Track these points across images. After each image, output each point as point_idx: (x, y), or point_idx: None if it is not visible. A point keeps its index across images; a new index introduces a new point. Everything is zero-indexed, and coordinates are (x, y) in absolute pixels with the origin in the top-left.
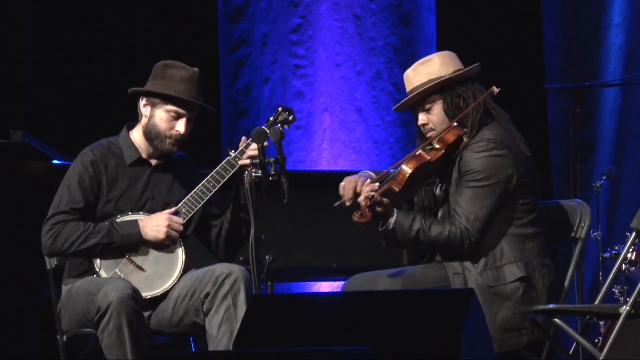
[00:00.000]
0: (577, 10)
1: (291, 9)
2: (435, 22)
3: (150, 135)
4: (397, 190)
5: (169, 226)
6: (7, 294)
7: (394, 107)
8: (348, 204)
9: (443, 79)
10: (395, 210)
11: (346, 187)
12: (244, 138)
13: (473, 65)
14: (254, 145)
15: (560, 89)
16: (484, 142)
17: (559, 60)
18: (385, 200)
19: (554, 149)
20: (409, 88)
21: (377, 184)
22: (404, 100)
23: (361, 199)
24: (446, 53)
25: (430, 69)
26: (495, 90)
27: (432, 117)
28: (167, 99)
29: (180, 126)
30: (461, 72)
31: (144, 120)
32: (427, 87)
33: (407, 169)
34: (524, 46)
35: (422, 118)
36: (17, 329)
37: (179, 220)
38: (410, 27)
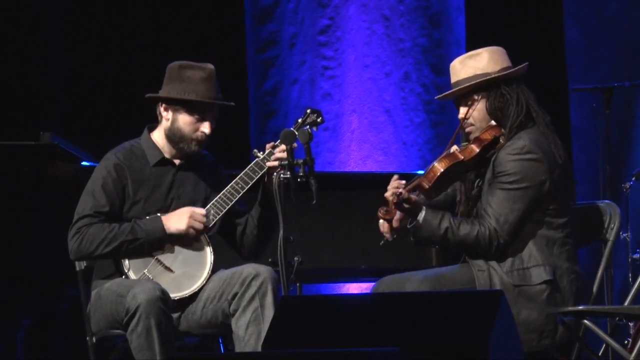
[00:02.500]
0: (598, 9)
1: (319, 10)
2: (464, 23)
3: (175, 138)
4: (427, 187)
5: (190, 217)
6: (38, 295)
7: (437, 97)
8: (389, 238)
9: (489, 76)
10: (424, 207)
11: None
12: (271, 143)
13: (521, 65)
14: (282, 147)
15: (589, 89)
16: (519, 144)
17: (580, 59)
18: (413, 197)
19: (576, 149)
20: (453, 79)
21: (404, 181)
22: (447, 92)
23: (388, 195)
24: (495, 48)
25: (477, 63)
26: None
27: (473, 113)
28: (189, 104)
29: (205, 127)
30: (507, 71)
31: (166, 123)
32: (471, 83)
33: (439, 167)
34: (545, 44)
35: (463, 111)
36: (48, 330)
37: (201, 211)
38: (439, 28)
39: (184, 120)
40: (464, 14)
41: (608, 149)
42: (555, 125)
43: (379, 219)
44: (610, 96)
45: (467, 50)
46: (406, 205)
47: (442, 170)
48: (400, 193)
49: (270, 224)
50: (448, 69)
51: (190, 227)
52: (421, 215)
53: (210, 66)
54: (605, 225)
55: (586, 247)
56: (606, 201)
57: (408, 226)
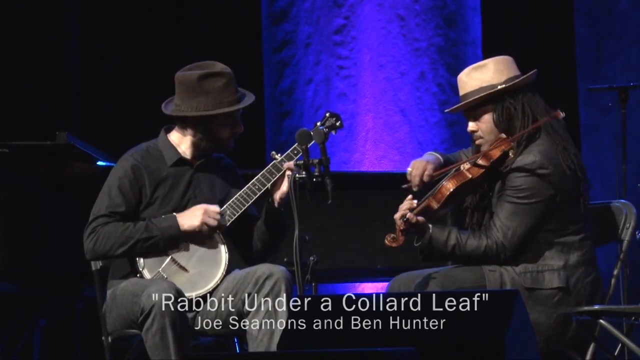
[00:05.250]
0: (608, 6)
1: (334, 9)
2: (480, 23)
3: (210, 146)
4: (436, 207)
5: (204, 214)
6: (54, 295)
7: (446, 110)
8: (415, 189)
9: (493, 90)
10: (430, 226)
11: (413, 172)
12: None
13: (528, 73)
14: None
15: (605, 89)
16: (529, 159)
17: (590, 57)
18: (420, 219)
19: (585, 147)
20: (461, 92)
21: (416, 201)
22: (454, 107)
23: (397, 216)
24: (501, 58)
25: (483, 75)
26: (560, 114)
27: (481, 125)
28: (223, 114)
29: (239, 128)
30: (513, 82)
31: (195, 135)
32: (476, 97)
33: (448, 188)
34: (556, 43)
35: (472, 125)
36: (64, 329)
37: (215, 209)
38: (455, 27)
39: (222, 129)
40: (479, 14)
41: (624, 149)
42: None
43: (386, 247)
44: (626, 96)
45: (483, 50)
46: (413, 230)
47: (451, 190)
48: (407, 218)
49: (276, 227)
50: (464, 69)
51: (203, 223)
52: (428, 234)
53: (225, 67)
54: (621, 225)
55: (605, 246)
56: (622, 201)
57: (415, 244)
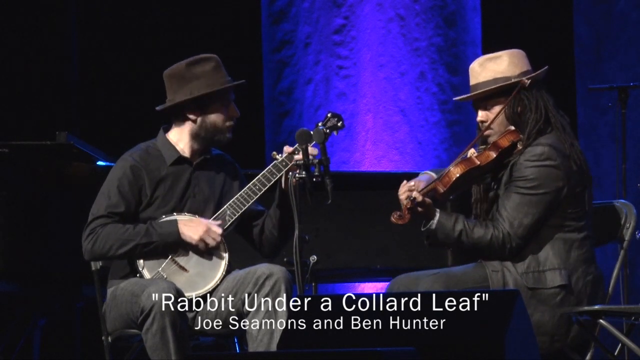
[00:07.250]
0: (607, 6)
1: (334, 9)
2: (480, 23)
3: (209, 134)
4: (442, 191)
5: (206, 232)
6: (54, 294)
7: (455, 98)
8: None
9: (509, 82)
10: (438, 210)
11: (402, 190)
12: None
13: (541, 69)
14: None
15: (605, 88)
16: (538, 150)
17: (589, 56)
18: (427, 200)
19: (582, 146)
20: (472, 81)
21: (413, 183)
22: (466, 96)
23: (402, 198)
24: (515, 52)
25: (497, 66)
26: (526, 82)
27: (492, 116)
28: (217, 94)
29: (234, 112)
30: (528, 76)
31: (193, 125)
32: (491, 87)
33: (455, 172)
34: (555, 42)
35: (482, 114)
36: (63, 329)
37: (217, 230)
38: (454, 27)
39: (216, 112)
40: (479, 14)
41: (623, 149)
42: None
43: (393, 223)
44: (626, 96)
45: (483, 50)
46: (420, 209)
47: (458, 175)
48: (414, 197)
49: (290, 224)
50: (464, 69)
51: (202, 240)
52: (435, 218)
53: (211, 54)
54: (621, 225)
55: (603, 246)
56: (622, 200)
57: (422, 229)
